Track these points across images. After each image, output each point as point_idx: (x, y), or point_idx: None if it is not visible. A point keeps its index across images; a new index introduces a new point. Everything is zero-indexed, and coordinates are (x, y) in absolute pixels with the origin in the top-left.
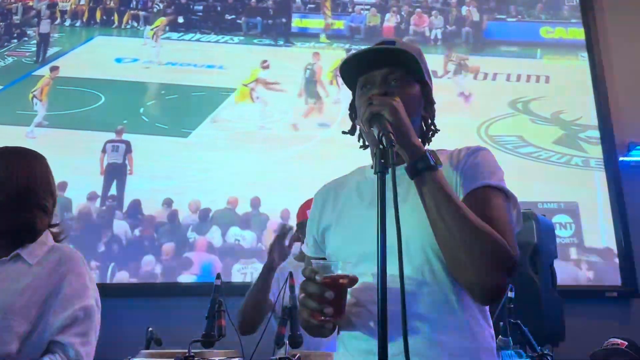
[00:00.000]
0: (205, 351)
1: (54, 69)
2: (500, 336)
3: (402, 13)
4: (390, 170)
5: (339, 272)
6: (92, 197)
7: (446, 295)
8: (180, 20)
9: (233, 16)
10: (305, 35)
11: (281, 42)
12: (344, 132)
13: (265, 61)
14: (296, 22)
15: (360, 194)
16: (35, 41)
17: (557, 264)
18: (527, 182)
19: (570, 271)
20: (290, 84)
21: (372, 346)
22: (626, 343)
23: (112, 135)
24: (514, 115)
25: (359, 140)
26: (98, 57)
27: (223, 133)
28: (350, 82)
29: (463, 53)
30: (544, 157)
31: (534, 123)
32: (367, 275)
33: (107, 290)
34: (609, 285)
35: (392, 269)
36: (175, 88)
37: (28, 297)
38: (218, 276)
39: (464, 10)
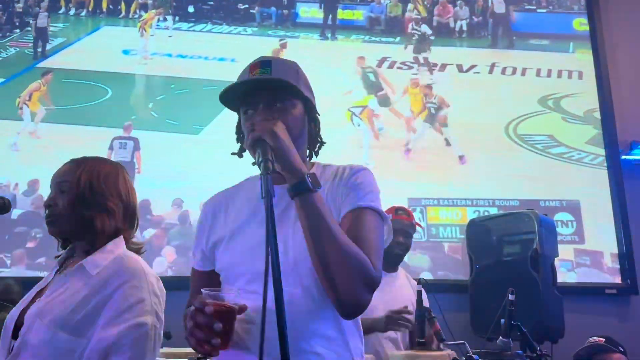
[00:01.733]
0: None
1: (46, 73)
2: (500, 337)
3: (426, 3)
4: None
5: (230, 303)
6: None
7: (332, 312)
8: (191, 9)
9: (246, 5)
10: (321, 26)
11: (298, 34)
12: (232, 154)
13: (282, 39)
14: (312, 12)
15: (252, 210)
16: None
17: (558, 261)
18: (529, 179)
19: (570, 268)
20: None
21: None
22: (604, 339)
23: (119, 132)
24: (544, 113)
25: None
26: (104, 49)
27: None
28: (232, 106)
29: (488, 47)
30: (576, 157)
31: (566, 121)
32: (259, 294)
33: None
34: (609, 283)
35: (291, 288)
36: (186, 82)
37: (80, 311)
38: None
39: (491, 0)
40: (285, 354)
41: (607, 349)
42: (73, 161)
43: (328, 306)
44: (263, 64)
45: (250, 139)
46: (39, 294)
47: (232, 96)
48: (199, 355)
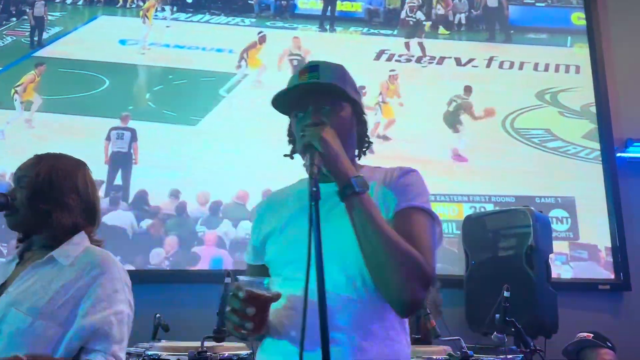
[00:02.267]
0: (217, 345)
1: (40, 64)
2: (495, 332)
3: None
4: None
5: (263, 290)
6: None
7: (375, 306)
8: (189, 0)
9: None
10: (319, 18)
11: (296, 25)
12: (285, 155)
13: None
14: (311, 4)
15: (301, 208)
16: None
17: (552, 257)
18: (525, 175)
19: (564, 264)
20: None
21: (290, 353)
22: (592, 335)
23: (116, 122)
24: (541, 107)
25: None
26: (101, 39)
27: (234, 121)
28: (283, 111)
29: (486, 40)
30: (572, 152)
31: (563, 116)
32: (300, 283)
33: None
34: (602, 279)
35: (336, 277)
36: (184, 73)
37: (58, 299)
38: (228, 274)
39: None
40: (326, 340)
41: (594, 344)
42: (35, 157)
43: (372, 300)
44: (311, 68)
45: (301, 144)
46: (4, 285)
47: (283, 101)
48: (200, 350)
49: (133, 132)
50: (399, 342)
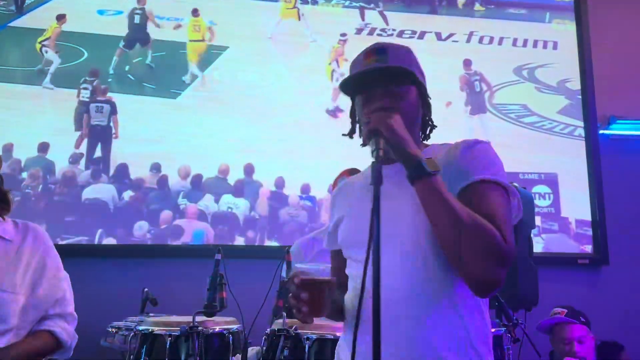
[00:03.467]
0: (207, 320)
1: (61, 17)
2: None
3: None
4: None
5: (319, 275)
6: (75, 159)
7: (440, 285)
8: None
9: None
10: None
11: None
12: (343, 135)
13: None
14: None
15: (368, 191)
16: None
17: (534, 232)
18: (507, 150)
19: (545, 239)
20: (288, 44)
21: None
22: (565, 311)
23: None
24: (519, 82)
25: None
26: (79, 9)
27: (215, 94)
28: (349, 92)
29: (467, 15)
30: (547, 127)
31: (540, 92)
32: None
33: (96, 252)
34: (581, 253)
35: (387, 262)
36: (163, 44)
37: (23, 272)
38: (219, 250)
39: None
40: (377, 324)
41: (567, 321)
42: None
43: (437, 276)
44: (379, 51)
45: (367, 130)
46: None
47: (350, 83)
48: (191, 325)
49: (113, 105)
50: (471, 318)
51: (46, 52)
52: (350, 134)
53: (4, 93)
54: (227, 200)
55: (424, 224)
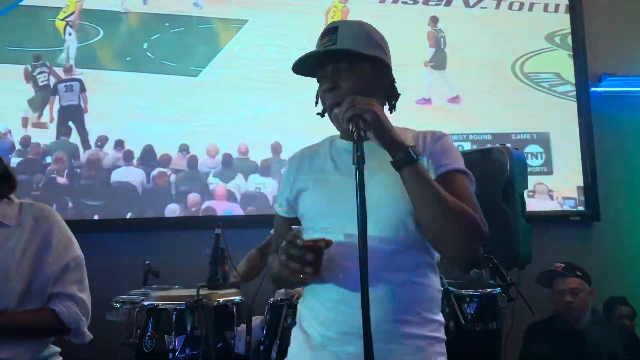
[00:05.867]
0: (211, 293)
1: None
2: (474, 269)
3: None
4: (360, 163)
5: (317, 236)
6: (101, 142)
7: (409, 255)
8: None
9: None
10: None
11: None
12: (317, 114)
13: None
14: None
15: (334, 163)
16: None
17: (526, 191)
18: (502, 112)
19: (538, 198)
20: (310, 17)
21: (341, 295)
22: (563, 265)
23: (112, 74)
24: (551, 50)
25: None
26: None
27: (237, 71)
28: (306, 75)
29: None
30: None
31: (572, 58)
32: (339, 233)
33: (99, 226)
34: (573, 210)
35: (372, 229)
36: (181, 19)
37: (19, 257)
38: (218, 225)
39: None
40: (366, 288)
41: (564, 275)
42: None
43: (407, 249)
44: (331, 31)
45: (349, 113)
46: None
47: (304, 67)
48: (196, 298)
49: (80, 82)
50: (431, 287)
51: (70, 33)
52: (323, 114)
53: (18, 75)
54: (255, 180)
55: (398, 195)
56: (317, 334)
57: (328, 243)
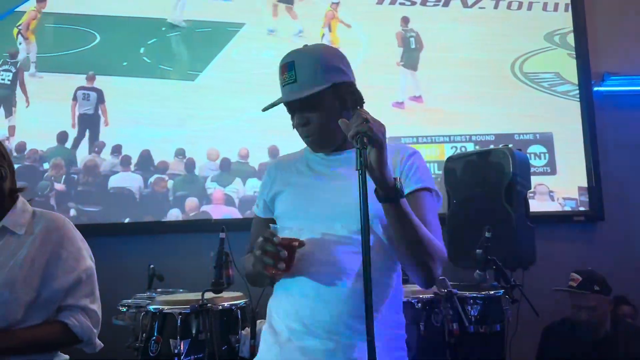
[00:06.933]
0: (216, 297)
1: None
2: (477, 271)
3: None
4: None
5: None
6: (98, 148)
7: (376, 258)
8: None
9: None
10: None
11: None
12: (264, 109)
13: None
14: None
15: (308, 167)
16: None
17: (530, 192)
18: (506, 113)
19: (541, 198)
20: (309, 19)
21: (310, 289)
22: (580, 279)
23: (109, 79)
24: (550, 49)
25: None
26: None
27: (234, 75)
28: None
29: None
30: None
31: (573, 58)
32: (312, 233)
33: (103, 230)
34: (577, 210)
35: (340, 230)
36: (179, 24)
37: (28, 268)
38: (223, 229)
39: None
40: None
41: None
42: None
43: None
44: (288, 67)
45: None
46: None
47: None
48: (200, 302)
49: (99, 92)
50: (394, 288)
51: (20, 42)
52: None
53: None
54: (253, 184)
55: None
56: (284, 327)
57: (301, 244)
